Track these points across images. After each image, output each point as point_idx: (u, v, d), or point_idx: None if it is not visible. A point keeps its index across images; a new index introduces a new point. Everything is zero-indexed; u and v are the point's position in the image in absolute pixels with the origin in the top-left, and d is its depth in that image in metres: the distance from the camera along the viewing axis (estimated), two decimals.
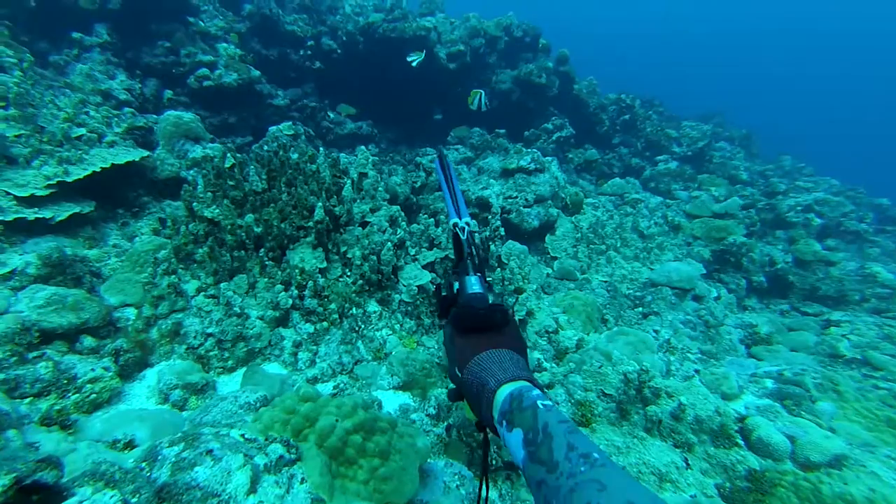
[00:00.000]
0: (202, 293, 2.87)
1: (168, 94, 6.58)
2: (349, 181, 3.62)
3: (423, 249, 3.79)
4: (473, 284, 1.29)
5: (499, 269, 3.72)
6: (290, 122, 6.00)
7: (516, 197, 5.59)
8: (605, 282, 5.06)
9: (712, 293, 5.70)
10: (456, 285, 1.33)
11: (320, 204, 3.10)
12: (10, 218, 3.05)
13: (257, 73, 7.25)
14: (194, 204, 3.12)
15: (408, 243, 3.60)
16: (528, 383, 0.81)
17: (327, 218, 3.22)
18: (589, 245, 5.53)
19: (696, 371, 3.57)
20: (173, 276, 2.88)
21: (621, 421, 2.83)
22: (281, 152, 3.54)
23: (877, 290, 7.05)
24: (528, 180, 5.69)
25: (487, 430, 0.92)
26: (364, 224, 3.52)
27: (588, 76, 12.44)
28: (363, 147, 5.16)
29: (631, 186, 8.07)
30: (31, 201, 3.28)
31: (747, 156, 13.10)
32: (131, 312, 3.01)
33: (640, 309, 4.66)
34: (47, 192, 3.32)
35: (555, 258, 5.48)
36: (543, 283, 4.72)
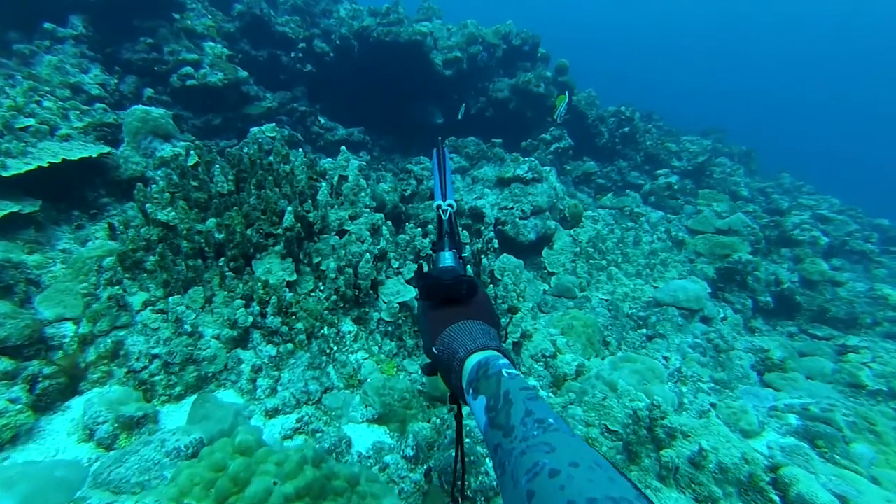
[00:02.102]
0: (149, 307, 2.48)
1: (148, 92, 6.21)
2: (326, 184, 3.26)
3: (408, 262, 3.42)
4: (446, 259, 1.32)
5: (491, 285, 3.35)
6: (274, 125, 5.64)
7: (512, 208, 5.24)
8: (606, 300, 4.69)
9: (719, 314, 5.35)
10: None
11: (290, 209, 2.74)
12: None
13: (245, 73, 6.93)
14: (148, 205, 2.74)
15: (391, 255, 3.23)
16: (495, 352, 0.83)
17: (299, 225, 2.85)
18: (588, 260, 5.18)
19: (712, 405, 3.19)
20: (117, 288, 2.50)
21: (629, 465, 2.45)
22: (253, 151, 3.18)
23: (889, 314, 6.73)
24: (524, 190, 5.35)
25: (460, 402, 0.96)
26: (342, 233, 3.15)
27: (587, 88, 12.22)
28: (344, 147, 4.82)
29: (631, 200, 7.76)
30: None
31: (747, 172, 12.88)
32: (70, 328, 2.62)
33: (645, 330, 4.29)
34: None
35: (552, 273, 5.12)
36: (540, 301, 4.35)
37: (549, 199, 5.37)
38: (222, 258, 2.67)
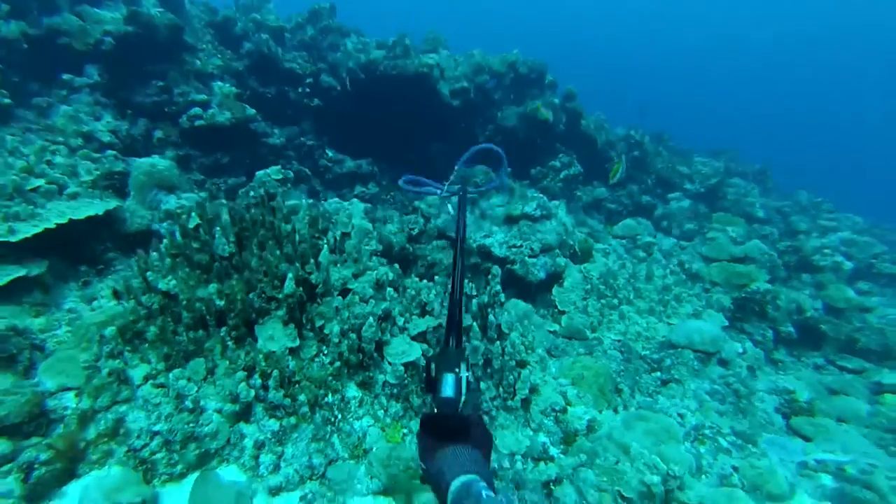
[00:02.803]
0: (150, 381, 2.45)
1: (158, 133, 6.32)
2: (330, 238, 3.23)
3: (413, 317, 3.36)
4: (447, 386, 1.36)
5: (497, 341, 3.27)
6: (279, 167, 5.66)
7: (521, 246, 5.17)
8: (619, 341, 4.57)
9: (737, 349, 5.19)
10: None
11: (291, 275, 2.70)
12: None
13: (252, 111, 7.00)
14: (149, 273, 2.73)
15: (396, 311, 3.17)
16: (477, 476, 0.96)
17: (300, 289, 2.81)
18: (600, 298, 5.07)
19: (735, 468, 3.04)
20: (118, 361, 2.47)
21: None
22: (255, 209, 3.16)
23: None
24: (533, 228, 5.28)
25: None
26: (345, 292, 3.10)
27: (596, 112, 12.19)
28: (357, 200, 4.83)
29: (643, 228, 7.64)
30: None
31: (762, 191, 12.67)
32: (71, 398, 2.60)
33: (659, 374, 4.16)
34: None
35: (563, 312, 5.02)
36: (550, 346, 4.25)
37: (559, 235, 5.29)
38: (224, 327, 2.63)
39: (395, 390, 2.92)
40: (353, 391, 2.81)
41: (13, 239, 3.04)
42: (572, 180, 8.91)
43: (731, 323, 6.11)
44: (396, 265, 3.81)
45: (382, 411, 2.84)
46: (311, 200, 5.12)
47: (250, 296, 2.72)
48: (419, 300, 3.41)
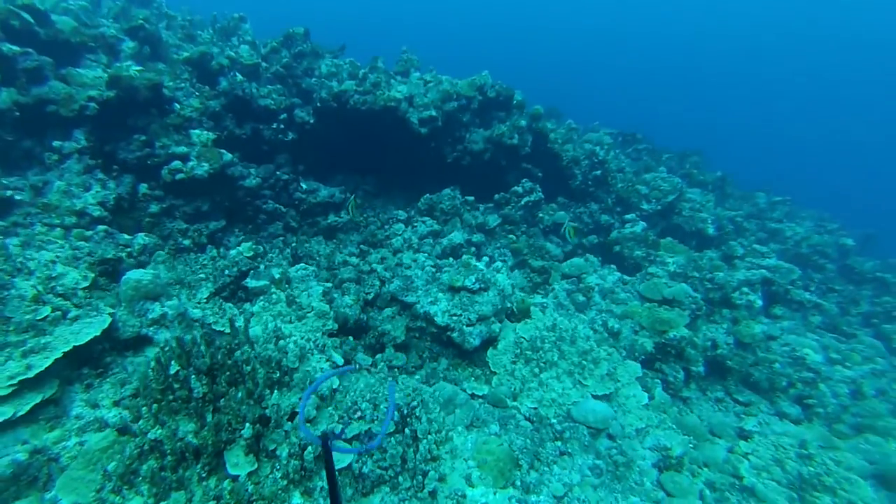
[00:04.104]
0: None
1: (143, 188, 6.94)
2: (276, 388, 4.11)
3: (351, 422, 4.31)
4: None
5: (412, 446, 4.24)
6: (251, 243, 6.39)
7: (460, 315, 6.04)
8: (534, 408, 5.57)
9: (643, 400, 6.21)
10: None
11: (248, 425, 3.61)
12: None
13: (229, 156, 7.58)
14: (140, 423, 3.63)
15: (338, 429, 4.11)
16: None
17: (259, 426, 3.74)
18: (527, 363, 6.02)
19: None
20: (118, 497, 3.42)
21: None
22: (222, 355, 4.01)
23: (803, 374, 7.54)
24: (472, 299, 6.13)
25: None
26: (293, 415, 4.02)
27: (568, 119, 12.65)
28: (315, 283, 5.61)
29: (589, 265, 8.46)
30: None
31: (721, 198, 13.38)
32: None
33: (559, 444, 5.19)
34: (10, 391, 3.83)
35: (494, 373, 5.98)
36: (472, 419, 5.23)
37: (494, 307, 6.14)
38: (199, 462, 3.57)
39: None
40: (297, 499, 3.79)
41: (30, 375, 3.90)
42: (533, 206, 9.60)
43: (652, 364, 7.15)
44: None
45: None
46: (275, 292, 5.85)
47: (220, 434, 3.64)
48: (357, 409, 4.34)
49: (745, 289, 8.32)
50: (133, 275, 4.86)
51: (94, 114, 6.59)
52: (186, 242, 7.01)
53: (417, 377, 5.73)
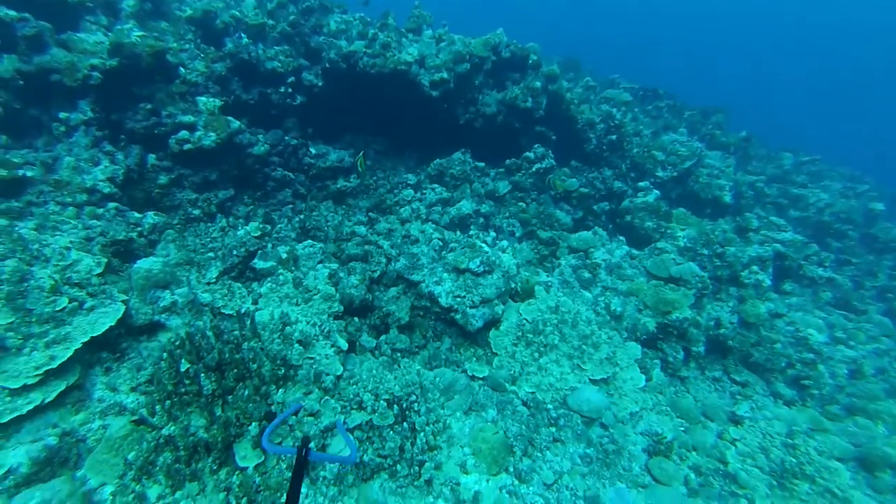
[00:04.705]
0: (161, 500, 3.74)
1: (151, 159, 6.96)
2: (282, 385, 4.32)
3: (352, 412, 4.56)
4: None
5: (409, 438, 4.49)
6: (258, 223, 6.45)
7: (464, 297, 6.15)
8: (532, 392, 5.78)
9: (640, 383, 6.40)
10: None
11: (255, 424, 3.85)
12: (5, 420, 3.88)
13: (237, 123, 7.50)
14: (155, 419, 3.89)
15: (340, 420, 4.36)
16: None
17: (265, 422, 3.99)
18: (528, 345, 6.18)
19: None
20: (138, 486, 3.75)
21: None
22: (228, 351, 4.20)
23: (804, 356, 7.63)
24: (476, 282, 6.21)
25: None
26: (297, 410, 4.26)
27: (588, 72, 12.11)
28: (321, 266, 5.71)
29: (598, 239, 8.41)
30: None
31: (743, 160, 12.94)
32: (108, 490, 3.91)
33: (553, 430, 5.43)
34: (37, 380, 4.10)
35: (496, 354, 6.17)
36: (471, 403, 5.47)
37: (497, 289, 6.22)
38: (211, 455, 3.86)
39: (333, 481, 4.23)
40: (302, 488, 4.10)
41: (54, 365, 4.16)
42: (545, 173, 9.41)
43: (653, 343, 7.27)
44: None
45: (322, 497, 4.17)
46: (284, 274, 5.96)
47: (229, 430, 3.90)
48: (358, 400, 4.57)
49: (754, 267, 8.24)
50: (144, 264, 5.00)
51: (98, 83, 6.50)
52: (196, 212, 7.11)
53: (420, 358, 5.94)
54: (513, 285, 6.66)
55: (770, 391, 7.27)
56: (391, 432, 4.55)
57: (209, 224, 7.08)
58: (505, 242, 7.24)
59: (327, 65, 8.65)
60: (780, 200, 11.94)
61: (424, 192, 8.72)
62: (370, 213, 8.42)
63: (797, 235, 9.58)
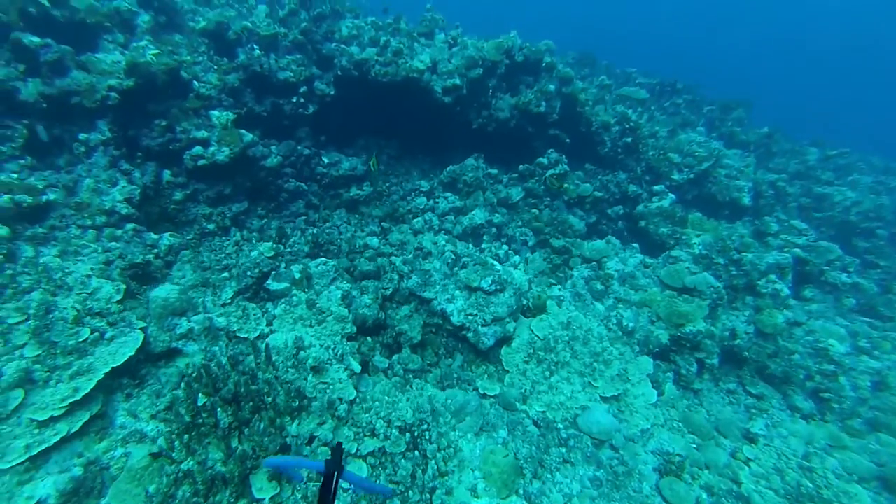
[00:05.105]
0: None
1: (167, 175, 7.07)
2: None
3: (365, 438, 4.65)
4: None
5: (420, 465, 4.58)
6: (271, 243, 6.52)
7: (475, 315, 6.18)
8: (543, 412, 5.81)
9: (651, 398, 6.38)
10: None
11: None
12: (35, 452, 4.04)
13: (250, 136, 7.56)
14: (174, 453, 4.02)
15: (353, 449, 4.46)
16: None
17: (280, 454, 4.10)
18: (539, 363, 6.20)
19: None
20: None
21: None
22: (243, 382, 4.30)
23: (824, 367, 7.49)
24: (487, 300, 6.22)
25: None
26: (312, 440, 4.36)
27: (604, 64, 11.91)
28: (334, 288, 5.79)
29: (611, 248, 8.34)
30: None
31: (765, 157, 12.63)
32: None
33: (563, 451, 5.47)
34: (62, 411, 4.26)
35: (507, 371, 6.21)
36: (482, 424, 5.53)
37: (509, 308, 6.23)
38: (228, 488, 3.99)
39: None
40: None
41: (78, 397, 4.31)
42: (557, 179, 9.31)
43: (666, 355, 7.22)
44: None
45: None
46: (298, 295, 6.05)
47: (245, 463, 4.02)
48: (371, 427, 4.66)
49: (772, 276, 8.08)
50: (160, 292, 5.12)
51: (116, 103, 6.58)
52: (211, 227, 7.23)
53: (432, 377, 6.01)
54: (524, 301, 6.66)
55: (787, 404, 7.19)
56: (403, 459, 4.64)
57: (224, 238, 7.20)
58: (517, 258, 7.22)
59: (339, 73, 8.62)
60: (802, 199, 11.64)
61: (437, 200, 8.71)
62: (383, 223, 8.46)
63: (821, 242, 9.35)
